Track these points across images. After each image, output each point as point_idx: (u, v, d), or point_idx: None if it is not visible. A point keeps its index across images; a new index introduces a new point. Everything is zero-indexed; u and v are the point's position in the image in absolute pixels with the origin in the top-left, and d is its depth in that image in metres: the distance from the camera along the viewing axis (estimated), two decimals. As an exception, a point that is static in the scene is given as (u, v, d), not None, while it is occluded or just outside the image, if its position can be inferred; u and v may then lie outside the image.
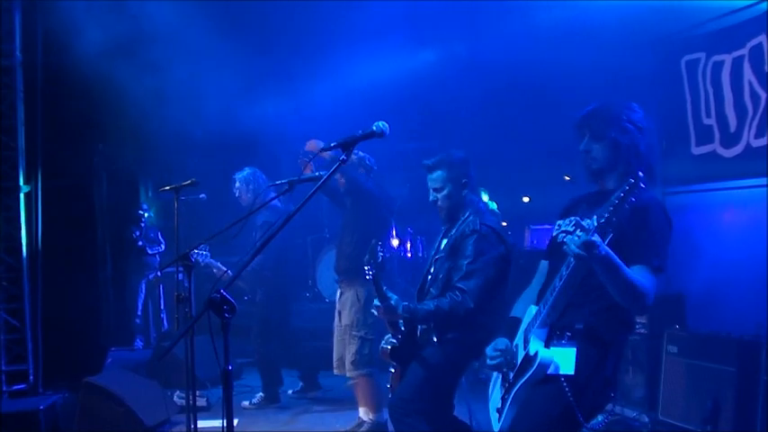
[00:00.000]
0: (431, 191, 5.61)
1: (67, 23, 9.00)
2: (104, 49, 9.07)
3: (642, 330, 7.11)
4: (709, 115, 7.91)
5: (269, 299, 8.84)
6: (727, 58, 7.62)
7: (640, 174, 3.40)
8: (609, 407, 6.92)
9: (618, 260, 3.51)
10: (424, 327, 5.45)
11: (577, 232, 3.42)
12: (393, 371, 5.65)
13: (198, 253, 7.98)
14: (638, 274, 3.64)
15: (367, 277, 5.52)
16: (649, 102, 8.44)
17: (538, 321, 3.85)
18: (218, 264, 8.30)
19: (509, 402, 3.90)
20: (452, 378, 5.50)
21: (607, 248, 3.43)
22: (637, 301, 3.69)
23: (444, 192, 5.50)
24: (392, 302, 5.29)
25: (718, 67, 7.77)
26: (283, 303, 9.13)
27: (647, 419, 6.97)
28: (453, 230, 5.45)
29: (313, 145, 7.69)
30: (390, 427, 5.58)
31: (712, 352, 6.42)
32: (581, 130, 4.06)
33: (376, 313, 5.50)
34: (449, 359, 5.34)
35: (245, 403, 8.91)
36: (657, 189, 3.98)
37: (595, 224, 3.37)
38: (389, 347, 5.54)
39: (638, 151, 3.93)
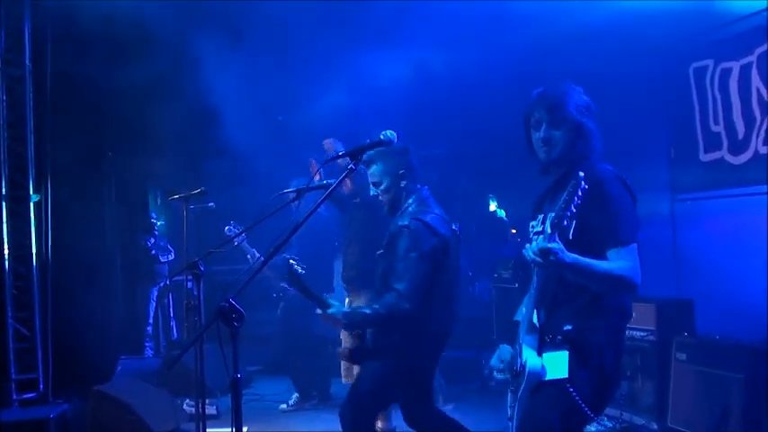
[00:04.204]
0: (371, 186, 5.48)
1: (77, 32, 9.03)
2: (113, 58, 9.12)
3: (651, 337, 7.11)
4: (717, 122, 7.91)
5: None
6: (735, 66, 7.63)
7: (581, 173, 3.41)
8: (617, 413, 6.98)
9: (585, 261, 3.50)
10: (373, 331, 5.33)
11: (537, 239, 3.45)
12: (346, 366, 5.60)
13: (230, 229, 8.04)
14: (612, 258, 3.62)
15: (289, 291, 5.47)
16: (657, 109, 8.51)
17: (524, 328, 3.82)
18: (253, 250, 8.37)
19: (516, 411, 3.88)
20: (403, 381, 5.33)
21: (572, 256, 3.44)
22: (622, 287, 3.69)
23: (383, 186, 5.35)
24: (332, 310, 5.21)
25: (726, 74, 7.77)
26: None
27: (656, 427, 6.96)
28: (392, 225, 5.31)
29: (329, 144, 7.71)
30: None
31: (721, 359, 6.41)
32: (536, 114, 3.98)
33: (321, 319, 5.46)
34: (395, 362, 5.21)
35: (283, 406, 9.01)
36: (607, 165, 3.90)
37: (548, 231, 3.40)
38: (348, 349, 5.46)
39: (595, 135, 3.91)
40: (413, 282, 4.98)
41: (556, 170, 4.03)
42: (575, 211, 3.36)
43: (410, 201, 5.31)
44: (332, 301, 5.26)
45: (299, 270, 5.38)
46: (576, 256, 3.45)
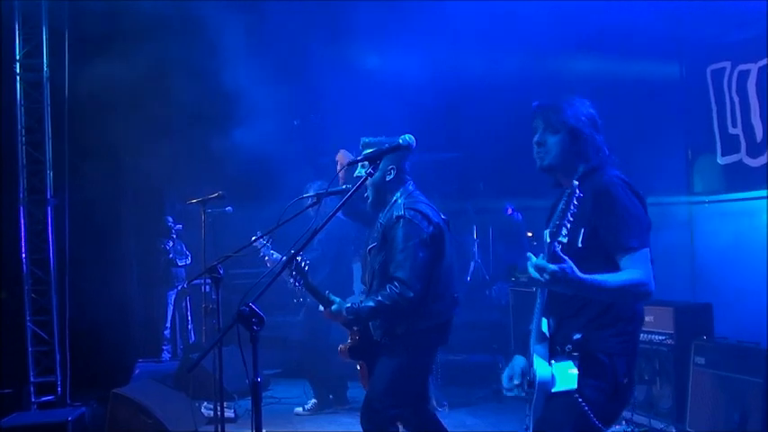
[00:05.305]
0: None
1: (94, 38, 9.08)
2: (130, 63, 9.15)
3: (669, 341, 7.08)
4: (735, 125, 7.88)
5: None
6: (753, 67, 7.59)
7: (575, 182, 3.38)
8: (628, 415, 6.96)
9: (592, 279, 3.43)
10: (376, 324, 5.35)
11: (534, 261, 3.41)
12: (359, 368, 5.61)
13: (264, 244, 8.03)
14: (624, 264, 3.58)
15: (296, 288, 5.53)
16: (675, 111, 8.47)
17: (534, 337, 3.77)
18: (273, 254, 8.32)
19: (530, 420, 3.86)
20: (418, 373, 5.40)
21: (579, 276, 3.36)
22: (635, 297, 3.65)
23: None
24: (335, 306, 5.26)
25: (743, 76, 7.74)
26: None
27: (674, 431, 6.93)
28: (383, 218, 5.34)
29: (342, 156, 7.71)
30: None
31: (740, 363, 6.38)
32: (534, 122, 3.93)
33: (324, 315, 5.48)
34: (407, 355, 5.23)
35: (299, 409, 8.99)
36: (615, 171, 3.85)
37: (548, 240, 3.39)
38: (347, 346, 5.51)
39: (597, 145, 3.84)
40: (414, 269, 5.02)
41: (565, 180, 3.94)
42: (572, 220, 3.33)
43: (397, 195, 5.33)
44: (334, 298, 5.32)
45: (304, 266, 5.43)
46: (582, 276, 3.38)
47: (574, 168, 3.85)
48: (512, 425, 6.66)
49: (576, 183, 3.37)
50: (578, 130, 3.81)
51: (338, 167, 7.78)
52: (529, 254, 3.45)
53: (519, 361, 3.99)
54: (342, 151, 7.78)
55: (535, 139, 3.91)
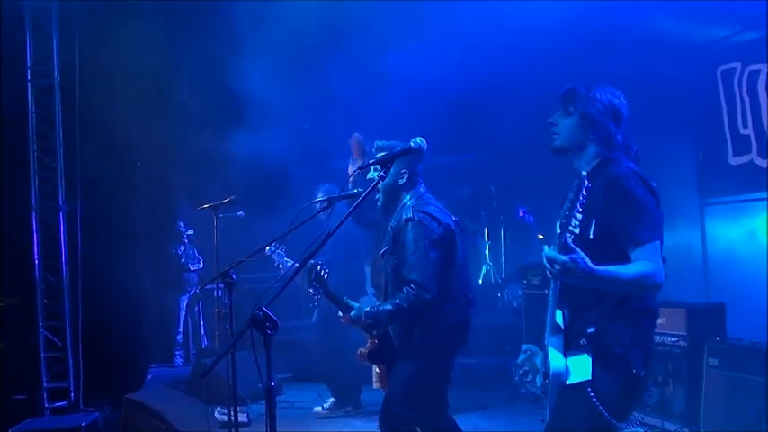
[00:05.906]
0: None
1: (104, 43, 9.10)
2: (142, 68, 9.17)
3: (682, 343, 7.06)
4: (745, 125, 7.86)
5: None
6: (764, 68, 7.58)
7: (584, 173, 3.39)
8: (641, 417, 6.93)
9: (602, 270, 3.44)
10: (395, 327, 5.35)
11: (545, 252, 3.43)
12: (378, 371, 5.61)
13: (274, 251, 8.03)
14: (634, 256, 3.58)
15: (316, 296, 5.55)
16: (685, 112, 8.45)
17: (548, 329, 3.79)
18: (285, 260, 8.31)
19: (547, 411, 3.86)
20: (436, 376, 5.38)
21: (589, 267, 3.38)
22: (644, 289, 3.66)
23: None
24: (354, 312, 5.29)
25: (754, 76, 7.72)
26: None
27: (687, 432, 6.92)
28: (393, 221, 5.35)
29: (355, 141, 7.68)
30: None
31: (753, 364, 6.35)
32: (560, 104, 3.99)
33: (342, 321, 5.49)
34: (423, 358, 5.22)
35: (318, 409, 9.02)
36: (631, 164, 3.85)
37: (558, 231, 3.39)
38: (366, 350, 5.51)
39: (608, 134, 3.87)
40: (428, 271, 5.02)
41: (577, 164, 3.97)
42: (581, 210, 3.34)
43: (407, 197, 5.35)
44: (352, 303, 5.38)
45: (324, 274, 5.44)
46: (593, 267, 3.40)
47: (585, 153, 3.91)
48: (525, 427, 6.63)
49: (585, 173, 3.38)
50: (590, 116, 3.86)
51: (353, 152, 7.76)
52: (543, 245, 3.47)
53: (526, 347, 4.05)
54: (355, 135, 7.75)
55: (550, 119, 3.98)
